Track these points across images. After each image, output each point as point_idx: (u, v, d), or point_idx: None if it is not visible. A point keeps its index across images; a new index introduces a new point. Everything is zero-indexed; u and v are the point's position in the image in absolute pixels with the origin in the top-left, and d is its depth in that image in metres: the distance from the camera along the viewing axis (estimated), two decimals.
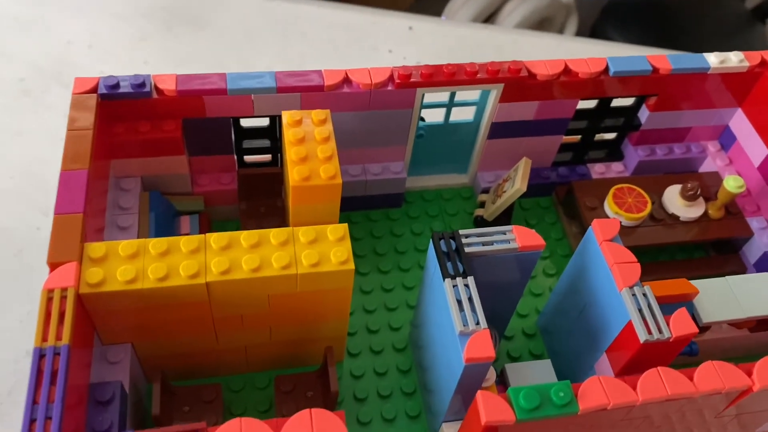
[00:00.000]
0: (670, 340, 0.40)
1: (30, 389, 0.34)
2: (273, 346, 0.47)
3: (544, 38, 0.99)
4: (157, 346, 0.45)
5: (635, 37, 1.48)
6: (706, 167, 0.63)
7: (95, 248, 0.40)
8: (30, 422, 0.33)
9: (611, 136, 0.63)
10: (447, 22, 1.03)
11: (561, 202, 0.61)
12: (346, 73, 0.51)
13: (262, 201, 0.55)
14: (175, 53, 0.90)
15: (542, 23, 1.64)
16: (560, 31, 1.65)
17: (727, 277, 0.50)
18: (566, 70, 0.54)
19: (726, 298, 0.49)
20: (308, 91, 0.50)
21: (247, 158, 0.57)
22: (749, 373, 0.39)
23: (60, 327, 0.36)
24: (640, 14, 1.54)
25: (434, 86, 0.52)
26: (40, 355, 0.35)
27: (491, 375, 0.44)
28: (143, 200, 0.51)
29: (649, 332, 0.40)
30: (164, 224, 0.51)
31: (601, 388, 0.37)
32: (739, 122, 0.60)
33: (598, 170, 0.62)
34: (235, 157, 0.55)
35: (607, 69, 0.54)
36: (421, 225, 0.59)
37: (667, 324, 0.40)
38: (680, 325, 0.40)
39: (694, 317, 0.49)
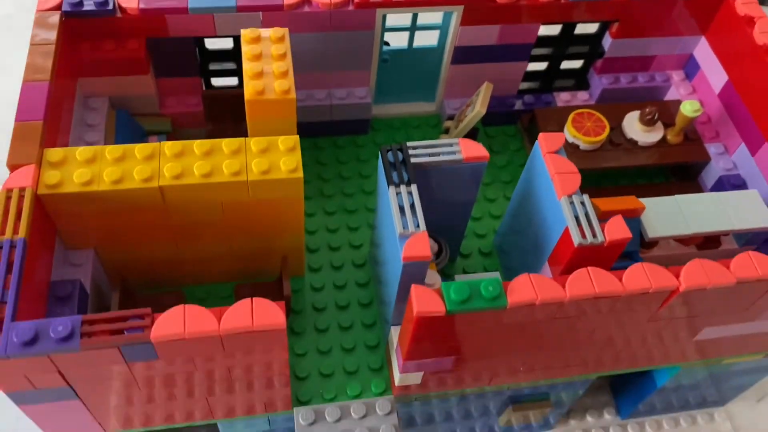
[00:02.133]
0: (604, 245, 0.42)
1: None
2: (232, 257, 0.49)
3: None
4: (119, 253, 0.47)
5: None
6: (670, 96, 0.64)
7: (54, 153, 0.42)
8: None
9: (577, 64, 0.64)
10: None
11: (525, 129, 0.62)
12: None
13: (228, 123, 0.57)
14: None
15: None
16: None
17: (676, 195, 0.51)
18: None
19: (673, 215, 0.50)
20: (268, 10, 0.51)
21: (214, 81, 0.58)
22: (677, 275, 0.40)
23: (17, 223, 0.39)
24: None
25: (394, 6, 0.53)
26: None
27: (437, 281, 0.46)
28: (110, 119, 0.53)
29: (584, 236, 0.42)
30: (131, 142, 0.53)
31: (530, 285, 0.39)
32: (703, 50, 0.61)
33: (563, 98, 0.63)
34: (202, 79, 0.57)
35: None
36: None
37: (602, 230, 0.42)
38: (614, 230, 0.42)
39: (641, 232, 0.50)
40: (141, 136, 0.55)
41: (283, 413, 0.47)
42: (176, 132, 0.57)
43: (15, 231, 0.38)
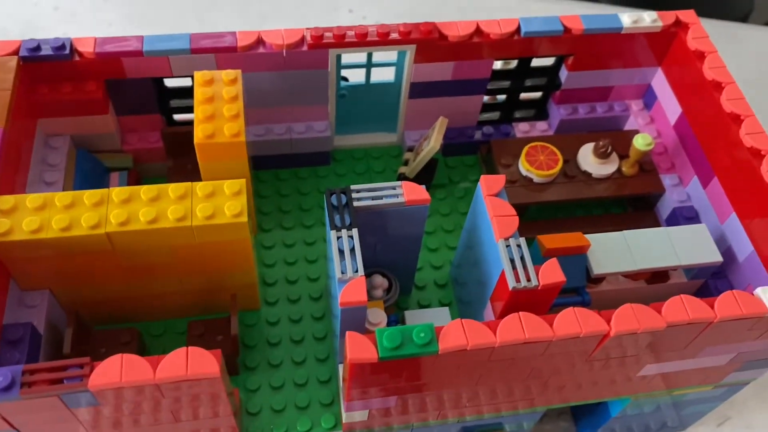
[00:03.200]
0: (539, 288, 0.43)
1: None
2: (185, 294, 0.50)
3: None
4: (74, 293, 0.48)
5: None
6: (630, 125, 0.64)
7: (4, 200, 0.43)
8: None
9: (537, 95, 0.64)
10: None
11: (484, 159, 0.63)
12: (260, 35, 0.53)
13: (189, 158, 0.58)
14: (138, 14, 0.92)
15: None
16: None
17: (624, 231, 0.52)
18: (478, 31, 0.55)
19: (620, 251, 0.51)
20: (222, 52, 0.52)
21: (177, 117, 0.59)
22: (608, 320, 0.41)
23: None
24: None
25: (346, 47, 0.54)
26: None
27: (382, 319, 0.47)
28: (71, 158, 0.54)
29: (518, 280, 0.43)
30: (92, 180, 0.54)
31: (461, 331, 0.40)
32: (660, 81, 0.62)
33: (522, 129, 0.64)
34: (162, 115, 0.58)
35: (518, 29, 0.56)
36: (347, 182, 0.62)
37: (537, 273, 0.43)
38: (548, 274, 0.43)
39: (588, 269, 0.51)
40: (102, 173, 0.56)
41: None
42: (138, 167, 0.58)
43: None
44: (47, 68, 0.51)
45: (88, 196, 0.44)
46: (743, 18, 1.27)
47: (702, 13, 0.60)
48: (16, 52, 0.50)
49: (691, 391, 0.55)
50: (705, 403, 0.59)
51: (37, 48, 0.51)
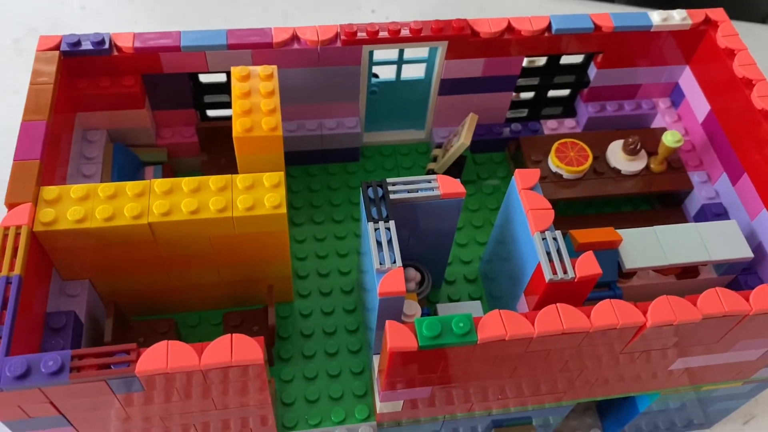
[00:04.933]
0: (575, 281, 0.43)
1: None
2: (222, 285, 0.51)
3: None
4: (113, 283, 0.49)
5: (640, 0, 1.46)
6: (657, 123, 0.65)
7: (49, 191, 0.44)
8: None
9: (565, 93, 0.65)
10: None
11: (512, 156, 0.63)
12: (295, 31, 0.54)
13: (222, 153, 0.59)
14: (163, 13, 0.93)
15: None
16: None
17: (654, 227, 0.53)
18: (509, 28, 0.56)
19: (651, 246, 0.52)
20: (258, 48, 0.53)
21: (210, 112, 0.60)
22: (644, 311, 0.42)
23: (13, 260, 0.41)
24: None
25: (379, 44, 0.54)
26: None
27: (417, 311, 0.48)
28: (107, 151, 0.55)
29: (554, 272, 0.43)
30: (128, 174, 0.55)
31: (500, 321, 0.40)
32: (688, 79, 0.62)
33: (550, 126, 0.64)
34: (197, 111, 0.59)
35: (549, 27, 0.56)
36: (376, 178, 0.63)
37: (573, 266, 0.43)
38: (585, 266, 0.43)
39: (619, 263, 0.51)
40: (138, 167, 0.57)
41: None
42: (172, 162, 0.59)
43: (11, 268, 0.40)
44: (86, 63, 0.52)
45: (131, 187, 0.44)
46: (763, 19, 1.27)
47: None
48: (57, 47, 0.51)
49: (719, 387, 0.55)
50: (731, 401, 0.59)
51: (77, 43, 0.51)
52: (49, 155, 0.47)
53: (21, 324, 0.40)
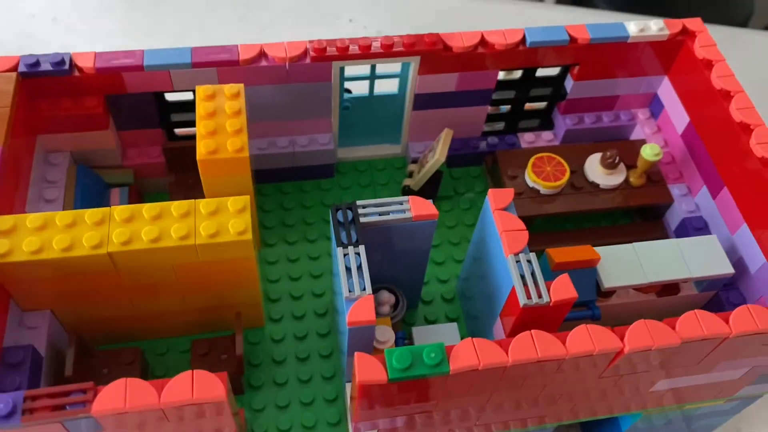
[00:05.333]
0: (550, 305, 0.42)
1: None
2: (189, 312, 0.49)
3: (508, 5, 0.98)
4: (76, 313, 0.47)
5: (621, 3, 1.46)
6: (636, 135, 0.64)
7: (4, 221, 0.42)
8: None
9: (542, 105, 0.64)
10: None
11: (489, 170, 0.62)
12: (262, 48, 0.52)
13: (190, 173, 0.57)
14: (138, 26, 0.91)
15: None
16: None
17: (633, 243, 0.51)
18: (482, 42, 0.55)
19: (630, 264, 0.50)
20: (224, 65, 0.51)
21: (178, 131, 0.59)
22: (621, 336, 0.40)
23: None
24: None
25: (350, 59, 0.53)
26: None
27: (390, 337, 0.46)
28: (71, 174, 0.53)
29: (528, 297, 0.42)
30: (93, 197, 0.54)
31: (473, 350, 0.39)
32: (667, 90, 0.61)
33: (527, 139, 0.63)
34: (163, 130, 0.57)
35: (524, 39, 0.55)
36: (351, 195, 0.61)
37: (548, 289, 0.42)
38: (560, 290, 0.42)
39: (597, 282, 0.50)
40: (102, 189, 0.55)
41: None
42: (138, 182, 0.57)
43: None
44: (46, 84, 0.50)
45: (90, 215, 0.43)
46: (743, 23, 1.27)
47: (702, 18, 0.59)
48: (15, 68, 0.49)
49: (702, 405, 0.54)
50: (716, 417, 0.58)
51: (36, 63, 0.50)
52: (6, 181, 0.46)
53: None
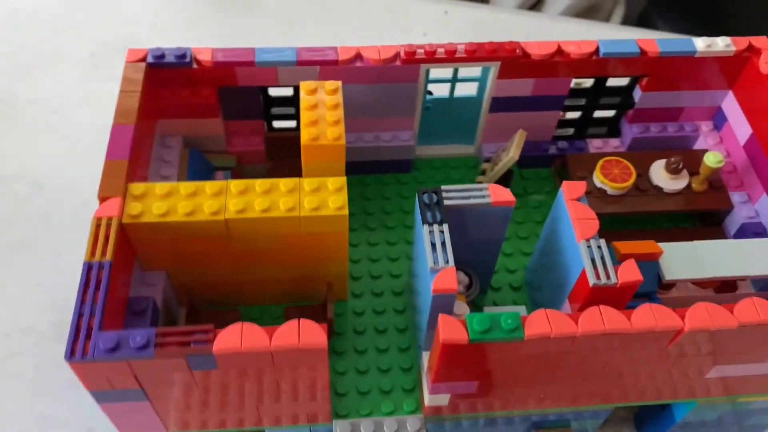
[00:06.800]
0: (617, 286, 0.46)
1: (79, 293, 0.43)
2: (285, 281, 0.55)
3: (573, 24, 1.03)
4: (187, 275, 0.53)
5: (682, 26, 1.48)
6: (699, 145, 0.67)
7: (137, 187, 0.49)
8: (78, 316, 0.42)
9: (611, 113, 0.68)
10: (482, 6, 1.08)
11: (558, 172, 0.67)
12: (359, 50, 0.58)
13: (286, 161, 0.63)
14: (227, 33, 0.99)
15: (590, 10, 1.66)
16: (607, 19, 1.66)
17: (694, 241, 0.55)
18: (559, 51, 0.59)
19: (690, 259, 0.54)
20: (325, 65, 0.58)
21: (276, 123, 0.65)
22: (682, 316, 0.44)
23: (105, 247, 0.45)
24: (689, 2, 1.55)
25: (436, 63, 0.58)
26: (88, 268, 0.44)
27: (465, 312, 0.51)
28: (183, 155, 0.60)
29: (598, 277, 0.46)
30: (200, 177, 0.60)
31: (546, 320, 0.43)
32: (731, 104, 0.64)
33: (595, 145, 0.67)
34: (264, 121, 0.63)
35: (597, 50, 0.60)
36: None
37: (616, 272, 0.46)
38: (627, 273, 0.46)
39: (659, 275, 0.54)
40: (209, 171, 0.62)
41: (323, 425, 0.52)
42: (240, 168, 0.64)
43: (103, 254, 0.45)
44: (168, 74, 0.57)
45: (210, 186, 0.49)
46: None
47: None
48: (144, 59, 0.56)
49: (756, 399, 0.56)
50: None
51: (162, 56, 0.57)
52: (135, 156, 0.52)
53: (109, 305, 0.44)
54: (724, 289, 0.56)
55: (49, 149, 0.82)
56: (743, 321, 0.44)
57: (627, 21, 1.62)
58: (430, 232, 0.48)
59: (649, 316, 0.44)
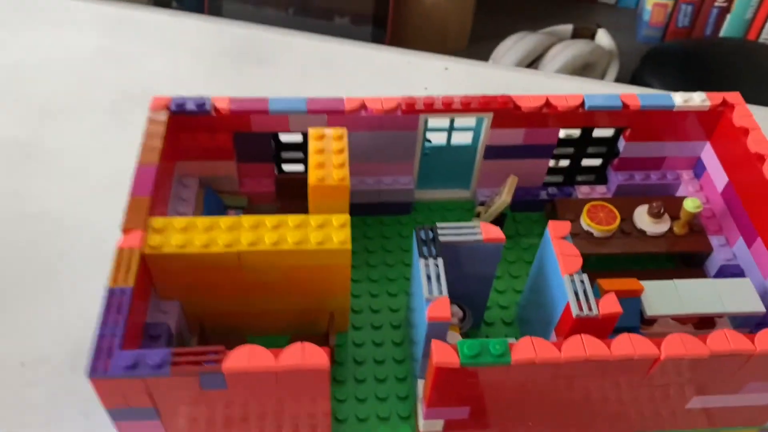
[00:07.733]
0: (599, 317, 0.50)
1: (102, 315, 0.47)
2: (290, 312, 0.59)
3: (568, 81, 1.09)
4: (199, 305, 0.57)
5: (673, 84, 1.55)
6: (680, 192, 0.72)
7: (157, 221, 0.53)
8: (101, 337, 0.46)
9: (597, 162, 0.73)
10: (480, 63, 1.14)
11: (548, 216, 0.71)
12: (363, 101, 0.64)
13: (295, 202, 0.67)
14: (241, 85, 1.05)
15: (585, 68, 1.73)
16: (602, 76, 1.74)
17: (674, 279, 0.59)
18: (547, 104, 0.65)
19: (671, 296, 0.58)
20: (332, 113, 0.63)
21: (285, 167, 0.70)
22: (658, 345, 0.48)
23: (127, 275, 0.49)
24: (679, 61, 1.62)
25: (434, 113, 0.64)
26: (111, 293, 0.48)
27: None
28: (199, 194, 0.65)
29: (581, 309, 0.50)
30: (215, 215, 0.64)
31: (531, 346, 0.47)
32: (708, 154, 0.69)
33: (583, 191, 0.72)
34: (275, 165, 0.68)
35: (583, 104, 0.65)
36: None
37: (597, 305, 0.50)
38: (607, 305, 0.50)
39: (641, 311, 0.58)
40: (222, 210, 0.66)
41: None
42: (251, 207, 0.68)
43: (125, 281, 0.49)
44: (189, 120, 0.62)
45: (224, 221, 0.53)
46: None
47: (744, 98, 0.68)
48: (167, 106, 0.62)
49: (735, 431, 0.59)
50: None
51: (183, 104, 0.62)
52: (156, 193, 0.57)
53: (129, 327, 0.48)
54: (703, 325, 0.59)
55: (69, 191, 0.87)
56: (715, 350, 0.47)
57: (620, 79, 1.69)
58: (426, 264, 0.52)
59: (627, 344, 0.47)
